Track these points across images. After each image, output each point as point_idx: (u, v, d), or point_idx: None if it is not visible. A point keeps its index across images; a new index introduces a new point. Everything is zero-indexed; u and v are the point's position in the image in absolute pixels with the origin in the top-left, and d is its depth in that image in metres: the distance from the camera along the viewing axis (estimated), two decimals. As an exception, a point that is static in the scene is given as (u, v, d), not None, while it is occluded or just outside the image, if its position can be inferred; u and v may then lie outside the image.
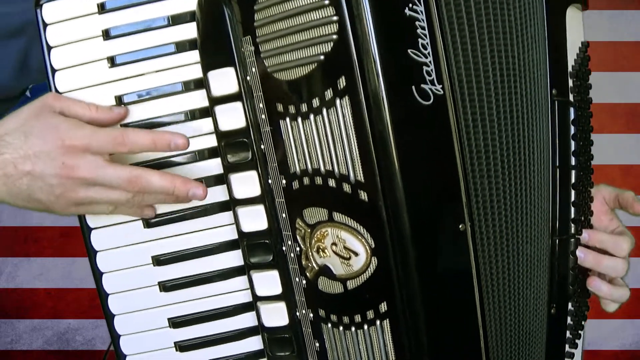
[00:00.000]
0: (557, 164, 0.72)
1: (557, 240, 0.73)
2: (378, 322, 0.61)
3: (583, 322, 0.76)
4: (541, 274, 0.72)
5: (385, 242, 0.59)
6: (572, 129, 0.72)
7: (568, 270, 0.74)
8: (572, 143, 0.73)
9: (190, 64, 0.67)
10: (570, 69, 0.74)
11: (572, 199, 0.73)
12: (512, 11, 0.65)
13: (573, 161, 0.73)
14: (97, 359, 2.04)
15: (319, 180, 0.61)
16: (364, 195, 0.59)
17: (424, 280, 0.60)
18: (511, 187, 0.66)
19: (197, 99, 0.68)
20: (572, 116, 0.73)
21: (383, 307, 0.61)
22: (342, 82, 0.57)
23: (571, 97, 0.73)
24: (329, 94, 0.58)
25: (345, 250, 0.61)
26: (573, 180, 0.73)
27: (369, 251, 0.60)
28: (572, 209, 0.73)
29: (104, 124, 0.65)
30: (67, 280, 2.05)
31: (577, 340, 0.76)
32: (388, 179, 0.58)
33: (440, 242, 0.61)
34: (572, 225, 0.73)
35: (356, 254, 0.60)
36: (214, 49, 0.66)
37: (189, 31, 0.67)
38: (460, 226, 0.61)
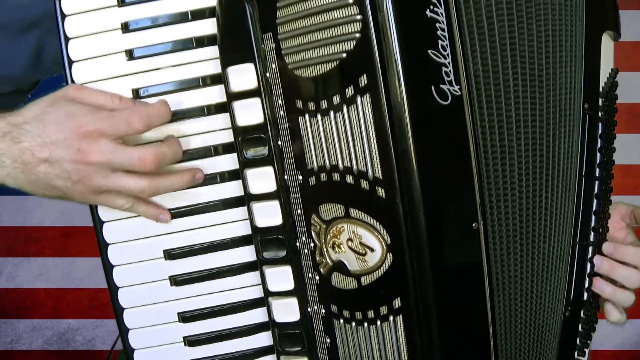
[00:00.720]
0: (584, 173, 0.74)
1: (577, 246, 0.74)
2: (391, 318, 0.62)
3: (592, 333, 0.78)
4: (560, 276, 0.72)
5: (401, 238, 0.60)
6: (599, 143, 0.75)
7: (585, 276, 0.75)
8: (598, 155, 0.75)
9: (207, 60, 0.68)
10: (600, 89, 0.76)
11: (594, 208, 0.75)
12: (542, 22, 0.66)
13: (597, 172, 0.75)
14: (97, 359, 2.03)
15: (336, 177, 0.62)
16: (381, 192, 0.59)
17: (437, 277, 0.60)
18: (529, 188, 0.67)
19: (214, 95, 0.68)
20: (600, 130, 0.75)
21: (397, 302, 0.61)
22: (363, 80, 0.58)
23: (599, 115, 0.75)
24: (349, 91, 0.59)
25: (361, 246, 0.61)
26: (596, 191, 0.75)
27: (384, 247, 0.60)
28: (593, 218, 0.75)
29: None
30: (67, 280, 2.04)
31: (585, 349, 0.77)
32: (406, 177, 0.58)
33: (454, 239, 0.62)
34: (592, 233, 0.75)
35: (372, 250, 0.61)
36: (234, 44, 0.66)
37: (208, 27, 0.67)
38: (473, 225, 0.62)
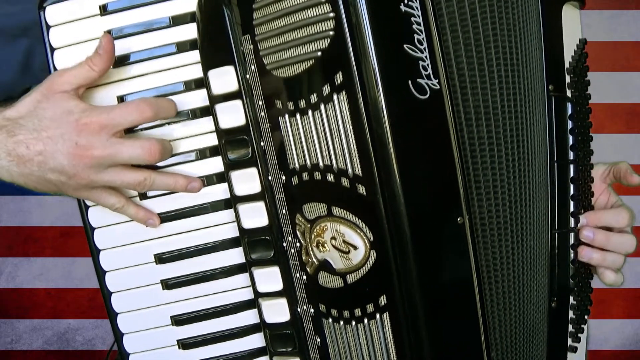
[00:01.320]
0: (555, 159, 0.72)
1: (557, 234, 0.73)
2: (378, 316, 0.62)
3: (586, 317, 0.77)
4: (542, 267, 0.72)
5: (383, 235, 0.60)
6: (570, 124, 0.73)
7: (568, 263, 0.74)
8: (570, 138, 0.73)
9: (191, 64, 0.68)
10: (567, 65, 0.74)
11: (571, 192, 0.74)
12: (510, 7, 0.66)
13: (571, 156, 0.73)
14: (97, 359, 2.04)
15: (317, 176, 0.62)
16: (362, 189, 0.59)
17: (422, 273, 0.60)
18: (515, 180, 0.66)
19: (198, 98, 0.68)
20: (569, 111, 0.73)
21: (382, 300, 0.61)
22: (339, 78, 0.58)
23: (569, 93, 0.74)
24: (326, 89, 0.59)
25: (344, 244, 0.61)
26: (572, 175, 0.73)
27: (367, 245, 0.60)
28: (572, 203, 0.74)
29: (107, 68, 0.66)
30: (67, 280, 2.05)
31: (579, 335, 0.76)
32: (386, 173, 0.58)
33: (438, 235, 0.62)
34: (572, 219, 0.74)
35: (355, 248, 0.61)
36: (214, 48, 0.66)
37: (190, 31, 0.67)
38: (458, 219, 0.61)
